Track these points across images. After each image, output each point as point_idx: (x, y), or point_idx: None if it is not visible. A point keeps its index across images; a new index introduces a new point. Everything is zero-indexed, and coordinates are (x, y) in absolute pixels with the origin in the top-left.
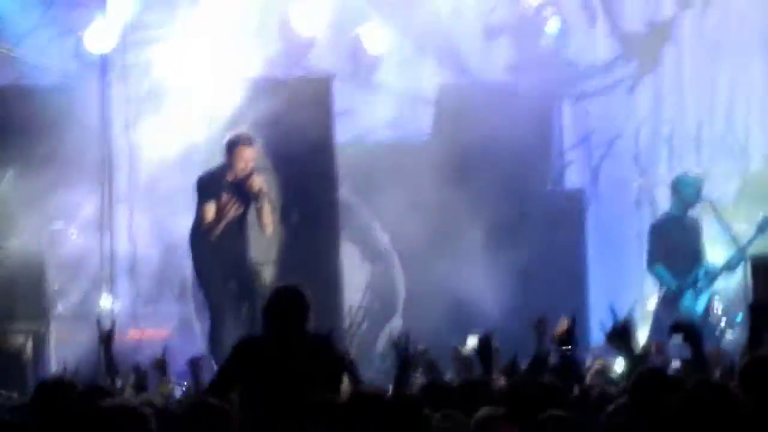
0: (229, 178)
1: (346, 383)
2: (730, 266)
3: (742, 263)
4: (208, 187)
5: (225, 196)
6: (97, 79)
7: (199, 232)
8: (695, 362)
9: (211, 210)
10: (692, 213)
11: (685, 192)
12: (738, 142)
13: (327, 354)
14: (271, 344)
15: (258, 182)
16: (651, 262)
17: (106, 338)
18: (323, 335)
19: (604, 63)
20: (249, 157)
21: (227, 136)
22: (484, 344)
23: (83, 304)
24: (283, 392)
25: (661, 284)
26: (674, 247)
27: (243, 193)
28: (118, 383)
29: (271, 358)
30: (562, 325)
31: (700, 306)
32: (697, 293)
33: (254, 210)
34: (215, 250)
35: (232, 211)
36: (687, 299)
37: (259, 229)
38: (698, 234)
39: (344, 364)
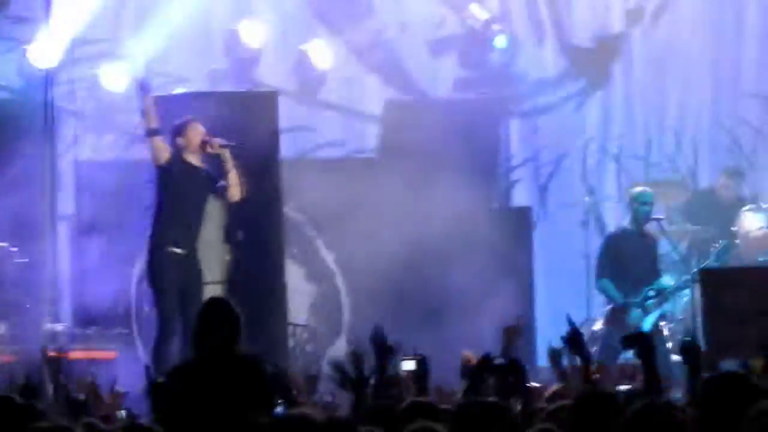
0: (189, 158)
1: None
2: (680, 287)
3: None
4: (169, 171)
5: (183, 178)
6: (41, 94)
7: (157, 238)
8: (647, 379)
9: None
10: (648, 228)
11: (643, 208)
12: (686, 160)
13: (255, 376)
14: (199, 368)
15: (217, 142)
16: (598, 277)
17: (53, 361)
18: (252, 356)
19: (553, 79)
20: (201, 129)
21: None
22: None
23: (26, 324)
24: (212, 417)
25: (607, 298)
26: (627, 262)
27: (201, 178)
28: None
29: (199, 383)
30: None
31: (647, 325)
32: (645, 311)
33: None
34: (173, 264)
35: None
36: (634, 316)
37: (227, 193)
38: (654, 250)
39: (276, 386)
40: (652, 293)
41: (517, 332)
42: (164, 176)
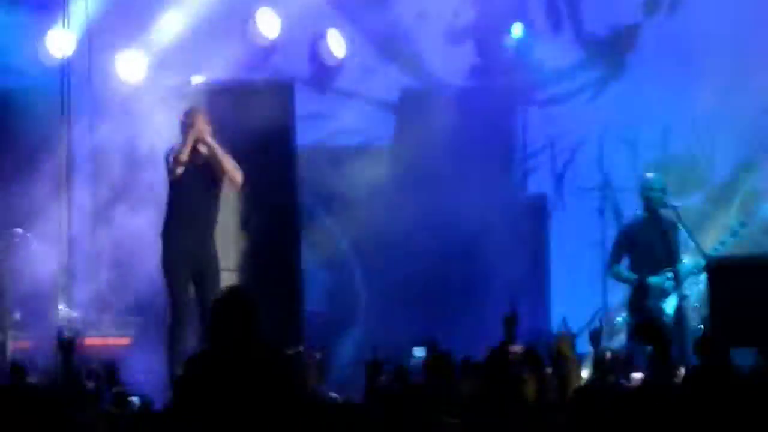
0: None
1: None
2: (693, 271)
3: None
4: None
5: (189, 170)
6: (58, 82)
7: (170, 226)
8: (659, 368)
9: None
10: (665, 213)
11: (652, 194)
12: (703, 149)
13: (274, 371)
14: (215, 361)
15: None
16: (610, 264)
17: (66, 346)
18: (271, 349)
19: (569, 68)
20: (204, 120)
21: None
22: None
23: (42, 311)
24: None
25: (624, 282)
26: (643, 249)
27: (208, 168)
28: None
29: (217, 375)
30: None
31: (669, 308)
32: (665, 294)
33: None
34: (184, 250)
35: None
36: (654, 300)
37: (229, 179)
38: (671, 235)
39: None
40: (670, 275)
41: (514, 319)
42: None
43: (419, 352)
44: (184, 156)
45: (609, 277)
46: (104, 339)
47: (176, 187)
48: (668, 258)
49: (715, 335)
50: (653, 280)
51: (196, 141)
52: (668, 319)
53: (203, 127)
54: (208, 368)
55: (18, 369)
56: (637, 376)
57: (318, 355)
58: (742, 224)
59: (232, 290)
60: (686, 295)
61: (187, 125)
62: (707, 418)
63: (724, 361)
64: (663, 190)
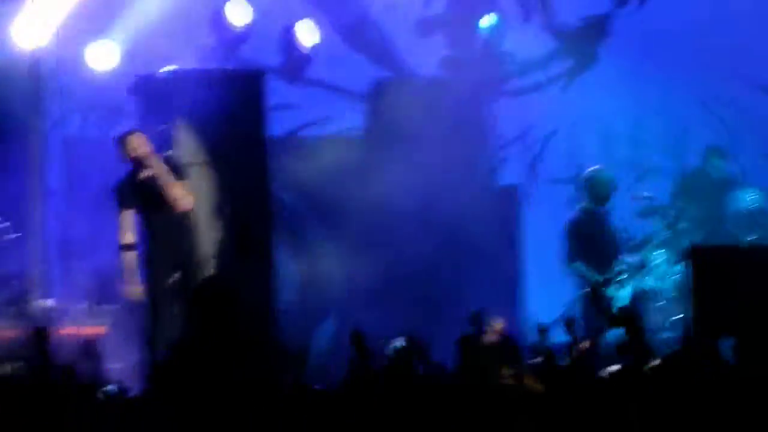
0: (138, 177)
1: None
2: (644, 264)
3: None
4: (125, 193)
5: (145, 186)
6: (29, 71)
7: (149, 221)
8: (638, 354)
9: (128, 218)
10: (605, 207)
11: (599, 188)
12: (675, 138)
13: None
14: (201, 347)
15: (150, 158)
16: (570, 260)
17: (41, 337)
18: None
19: (540, 59)
20: (138, 143)
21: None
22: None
23: (18, 300)
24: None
25: (585, 279)
26: (594, 242)
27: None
28: None
29: (202, 362)
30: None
31: (624, 299)
32: (620, 286)
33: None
34: (167, 241)
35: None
36: (611, 292)
37: (173, 207)
38: (612, 227)
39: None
40: (624, 267)
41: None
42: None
43: (399, 342)
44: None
45: (568, 272)
46: (80, 328)
47: (143, 201)
48: (615, 249)
49: (699, 324)
50: (611, 281)
51: (137, 162)
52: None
53: (141, 153)
54: (190, 355)
55: None
56: (614, 368)
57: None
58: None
59: (211, 280)
60: (647, 288)
61: (122, 154)
62: (681, 403)
63: (706, 349)
64: (613, 184)
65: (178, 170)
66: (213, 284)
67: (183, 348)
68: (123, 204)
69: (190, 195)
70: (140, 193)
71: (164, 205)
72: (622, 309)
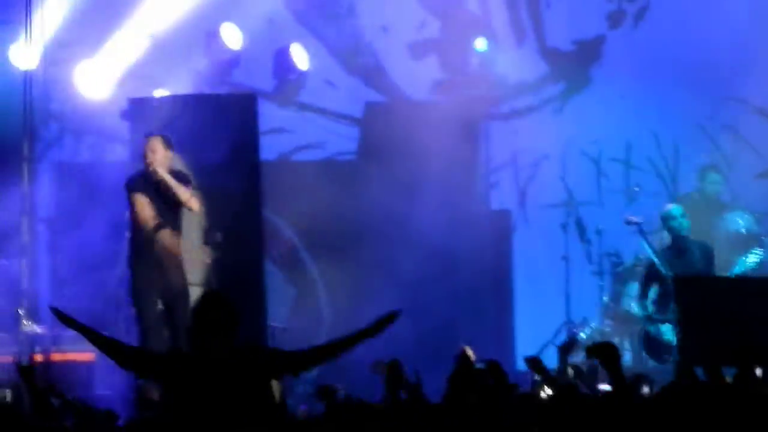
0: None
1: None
2: None
3: None
4: (137, 183)
5: (149, 191)
6: (21, 95)
7: (138, 242)
8: (614, 386)
9: (144, 203)
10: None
11: (671, 223)
12: (667, 164)
13: (254, 366)
14: (197, 362)
15: (157, 161)
16: (639, 298)
17: (26, 372)
18: (250, 347)
19: (532, 82)
20: (151, 146)
21: None
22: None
23: (7, 327)
24: (208, 413)
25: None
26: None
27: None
28: None
29: (196, 377)
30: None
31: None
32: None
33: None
34: (155, 269)
35: (157, 202)
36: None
37: (187, 207)
38: (695, 264)
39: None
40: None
41: (468, 358)
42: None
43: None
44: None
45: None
46: (68, 354)
47: (138, 208)
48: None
49: (686, 354)
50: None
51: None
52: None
53: (156, 158)
54: (188, 369)
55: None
56: (605, 387)
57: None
58: None
59: (213, 293)
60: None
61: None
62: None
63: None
64: (676, 218)
65: (183, 177)
66: (215, 298)
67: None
68: (137, 191)
69: (197, 199)
70: (153, 191)
71: (173, 206)
72: (597, 343)
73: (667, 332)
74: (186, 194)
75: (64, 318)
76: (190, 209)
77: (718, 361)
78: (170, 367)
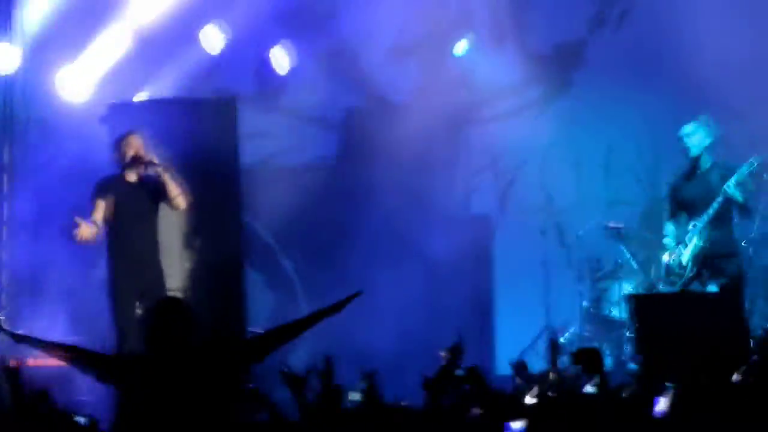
0: (126, 176)
1: None
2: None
3: None
4: (105, 187)
5: (123, 195)
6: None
7: (112, 244)
8: (599, 391)
9: (102, 206)
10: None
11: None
12: (646, 168)
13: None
14: (151, 362)
15: (151, 155)
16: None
17: (12, 373)
18: (208, 342)
19: (513, 86)
20: (137, 143)
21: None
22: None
23: None
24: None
25: None
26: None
27: (143, 189)
28: None
29: (150, 376)
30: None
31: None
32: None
33: (160, 205)
34: (131, 271)
35: (133, 206)
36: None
37: (171, 206)
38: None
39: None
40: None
41: (459, 351)
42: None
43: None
44: (97, 220)
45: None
46: (47, 359)
47: (115, 209)
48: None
49: (645, 369)
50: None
51: (135, 159)
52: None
53: (141, 152)
54: (146, 372)
55: None
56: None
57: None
58: None
59: (167, 300)
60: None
61: (120, 156)
62: None
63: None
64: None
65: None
66: (168, 302)
67: (141, 364)
68: (101, 195)
69: (187, 195)
70: (127, 195)
71: (149, 210)
72: (582, 349)
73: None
74: (177, 190)
75: (15, 336)
76: (176, 207)
77: (677, 379)
78: (127, 370)
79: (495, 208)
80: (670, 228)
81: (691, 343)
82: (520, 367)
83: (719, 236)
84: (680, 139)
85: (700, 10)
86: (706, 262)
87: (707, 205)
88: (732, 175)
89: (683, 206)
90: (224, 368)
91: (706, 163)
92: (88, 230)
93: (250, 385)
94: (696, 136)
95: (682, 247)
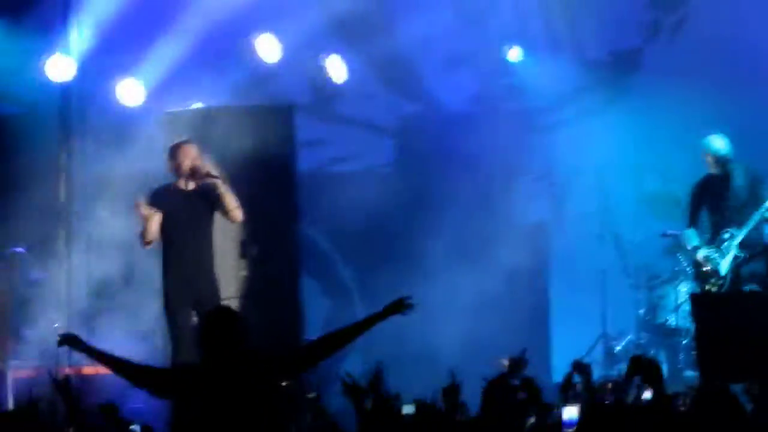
0: (181, 185)
1: None
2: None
3: None
4: (159, 198)
5: (177, 204)
6: (57, 108)
7: (167, 255)
8: (656, 398)
9: (156, 219)
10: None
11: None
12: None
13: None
14: (204, 372)
15: (208, 165)
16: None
17: (63, 387)
18: (257, 352)
19: (569, 92)
20: (193, 153)
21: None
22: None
23: (42, 339)
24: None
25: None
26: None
27: (199, 198)
28: None
29: (203, 386)
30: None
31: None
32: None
33: (214, 214)
34: (185, 281)
35: (188, 215)
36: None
37: (228, 218)
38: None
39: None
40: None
41: (522, 363)
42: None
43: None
44: (148, 238)
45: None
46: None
47: (169, 219)
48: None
49: (706, 371)
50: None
51: (194, 171)
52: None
53: (198, 162)
54: (197, 381)
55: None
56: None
57: (312, 395)
58: None
59: (218, 308)
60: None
61: (175, 164)
62: None
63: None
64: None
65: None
66: (220, 311)
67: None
68: (157, 207)
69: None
70: (181, 204)
71: (203, 219)
72: (639, 356)
73: (715, 259)
74: (234, 203)
75: (74, 345)
76: (233, 220)
77: (739, 378)
78: (180, 383)
79: (552, 215)
80: (692, 235)
81: (751, 341)
82: (582, 367)
83: (752, 239)
84: (709, 147)
85: (758, 16)
86: (740, 265)
87: (739, 212)
88: (761, 183)
89: (714, 213)
90: (278, 376)
91: (737, 171)
92: (147, 209)
93: (311, 395)
94: (725, 144)
95: (718, 257)
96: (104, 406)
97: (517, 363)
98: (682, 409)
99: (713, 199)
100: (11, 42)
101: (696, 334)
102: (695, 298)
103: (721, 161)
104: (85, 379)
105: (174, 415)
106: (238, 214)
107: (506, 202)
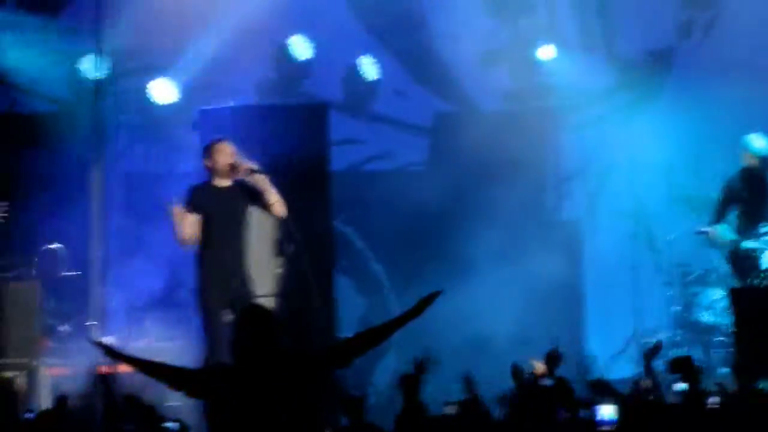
0: (216, 183)
1: None
2: None
3: None
4: (196, 198)
5: (213, 203)
6: (91, 106)
7: (200, 255)
8: (691, 397)
9: (194, 218)
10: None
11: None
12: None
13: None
14: (238, 372)
15: (245, 166)
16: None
17: (105, 382)
18: (291, 351)
19: (602, 91)
20: (230, 150)
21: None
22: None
23: (77, 334)
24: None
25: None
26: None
27: (235, 196)
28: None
29: (238, 386)
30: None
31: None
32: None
33: (253, 210)
34: (220, 280)
35: (223, 214)
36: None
37: (270, 213)
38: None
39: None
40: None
41: (557, 358)
42: (196, 207)
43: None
44: (183, 238)
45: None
46: None
47: (205, 216)
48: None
49: (742, 364)
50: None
51: (232, 167)
52: None
53: (237, 159)
54: (231, 382)
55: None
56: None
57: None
58: None
59: (252, 306)
60: None
61: (211, 162)
62: None
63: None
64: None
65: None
66: (253, 309)
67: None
68: (193, 206)
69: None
70: (217, 203)
71: (239, 217)
72: (678, 357)
73: (753, 250)
74: (276, 197)
75: (105, 350)
76: (276, 214)
77: None
78: (214, 384)
79: (585, 212)
80: (726, 230)
81: None
82: (601, 386)
83: None
84: (748, 145)
85: None
86: None
87: None
88: None
89: (751, 208)
90: (311, 374)
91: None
92: (179, 210)
93: (357, 394)
94: (765, 143)
95: (760, 249)
96: (128, 396)
97: (553, 358)
98: (716, 407)
99: (751, 196)
100: (46, 41)
101: (735, 330)
102: (735, 293)
103: (760, 159)
104: (121, 378)
105: (209, 415)
106: (280, 207)
107: (539, 200)
